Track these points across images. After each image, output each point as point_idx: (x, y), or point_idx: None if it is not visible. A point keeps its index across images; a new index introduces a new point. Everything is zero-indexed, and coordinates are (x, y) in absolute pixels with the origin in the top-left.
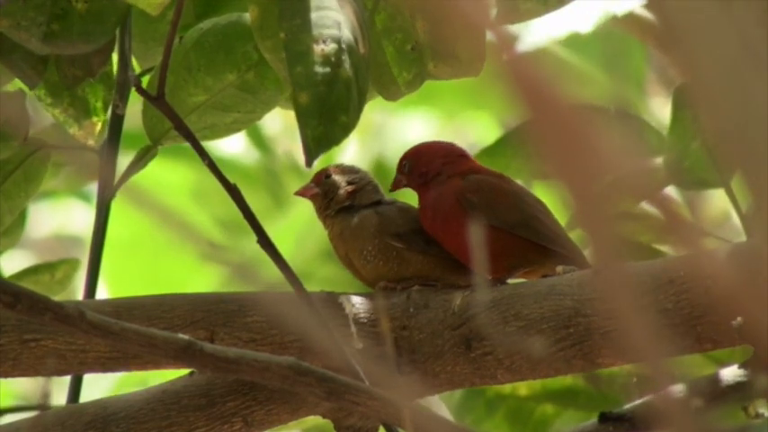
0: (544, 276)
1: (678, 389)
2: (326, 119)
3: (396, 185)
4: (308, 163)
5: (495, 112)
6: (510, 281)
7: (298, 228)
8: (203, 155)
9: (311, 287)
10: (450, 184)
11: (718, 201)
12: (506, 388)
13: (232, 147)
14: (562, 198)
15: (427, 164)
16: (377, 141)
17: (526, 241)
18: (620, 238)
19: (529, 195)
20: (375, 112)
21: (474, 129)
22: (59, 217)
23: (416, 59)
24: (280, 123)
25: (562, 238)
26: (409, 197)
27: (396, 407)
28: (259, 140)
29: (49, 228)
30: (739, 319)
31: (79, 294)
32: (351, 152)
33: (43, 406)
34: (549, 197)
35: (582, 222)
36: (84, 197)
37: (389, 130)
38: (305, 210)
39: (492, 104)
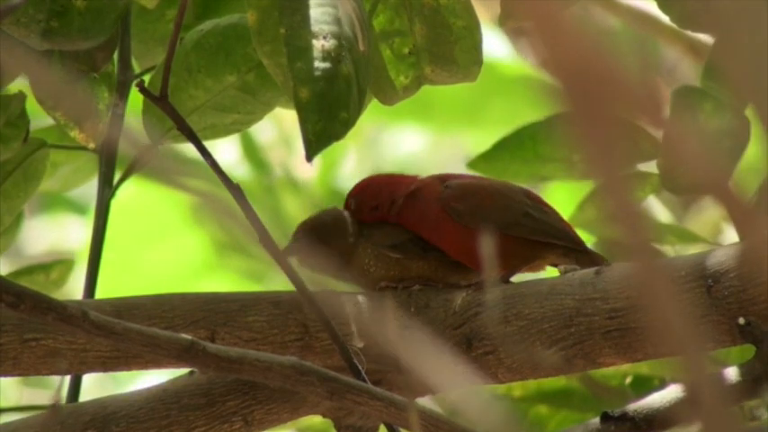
0: (552, 266)
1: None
2: (327, 114)
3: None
4: (309, 158)
5: (490, 123)
6: (513, 279)
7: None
8: (206, 154)
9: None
10: (426, 197)
11: (712, 208)
12: (500, 388)
13: (225, 157)
14: (599, 196)
15: (374, 198)
16: (373, 153)
17: (521, 239)
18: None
19: (515, 191)
20: (372, 124)
21: (469, 141)
22: (55, 232)
23: (414, 63)
24: (274, 132)
25: (559, 229)
26: None
27: (397, 406)
28: (253, 154)
29: (45, 242)
30: (742, 319)
31: (77, 295)
32: (349, 164)
33: (52, 406)
34: (550, 199)
35: (614, 217)
36: (80, 209)
37: (385, 143)
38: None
39: (487, 121)
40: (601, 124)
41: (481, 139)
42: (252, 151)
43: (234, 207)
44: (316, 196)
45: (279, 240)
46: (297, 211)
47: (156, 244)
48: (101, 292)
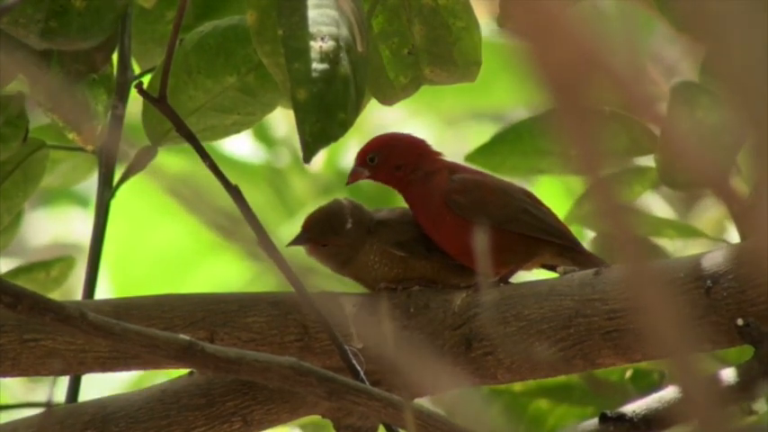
0: (545, 267)
1: (701, 385)
2: (324, 115)
3: (355, 178)
4: (307, 159)
5: (493, 106)
6: (511, 280)
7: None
8: (204, 156)
9: (316, 282)
10: (435, 183)
11: (716, 205)
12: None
13: (238, 146)
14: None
15: (402, 157)
16: None
17: (518, 235)
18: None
19: (515, 189)
20: (376, 115)
21: (474, 133)
22: (57, 224)
23: (413, 63)
24: (286, 124)
25: (555, 228)
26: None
27: (396, 407)
28: (265, 139)
29: (48, 235)
30: (741, 320)
31: (78, 294)
32: (352, 154)
33: (48, 404)
34: (547, 192)
35: (603, 218)
36: (82, 202)
37: (391, 128)
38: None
39: (491, 100)
40: (586, 121)
41: (486, 128)
42: (264, 138)
43: (207, 193)
44: (323, 181)
45: (282, 233)
46: (305, 195)
47: (158, 227)
48: (107, 280)
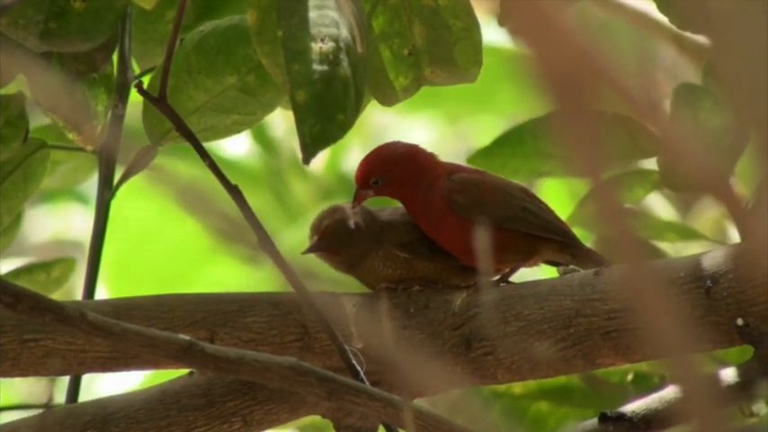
0: (548, 263)
1: (700, 385)
2: (324, 117)
3: (360, 200)
4: (306, 160)
5: (498, 114)
6: (512, 279)
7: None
8: (204, 156)
9: (315, 287)
10: (435, 187)
11: (715, 206)
12: (501, 386)
13: (236, 148)
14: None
15: (404, 177)
16: (381, 141)
17: (519, 233)
18: (638, 235)
19: (514, 187)
20: (377, 115)
21: (477, 132)
22: (58, 221)
23: (413, 64)
24: (284, 125)
25: (555, 225)
26: None
27: (395, 407)
28: (264, 140)
29: (48, 232)
30: (740, 320)
31: (78, 295)
32: (353, 157)
33: (47, 405)
34: (549, 195)
35: (604, 221)
36: (83, 200)
37: (391, 135)
38: (311, 212)
39: (495, 107)
40: (586, 124)
41: (489, 126)
42: (263, 140)
43: (214, 200)
44: (324, 183)
45: (282, 231)
46: (305, 198)
47: (158, 228)
48: (107, 281)
